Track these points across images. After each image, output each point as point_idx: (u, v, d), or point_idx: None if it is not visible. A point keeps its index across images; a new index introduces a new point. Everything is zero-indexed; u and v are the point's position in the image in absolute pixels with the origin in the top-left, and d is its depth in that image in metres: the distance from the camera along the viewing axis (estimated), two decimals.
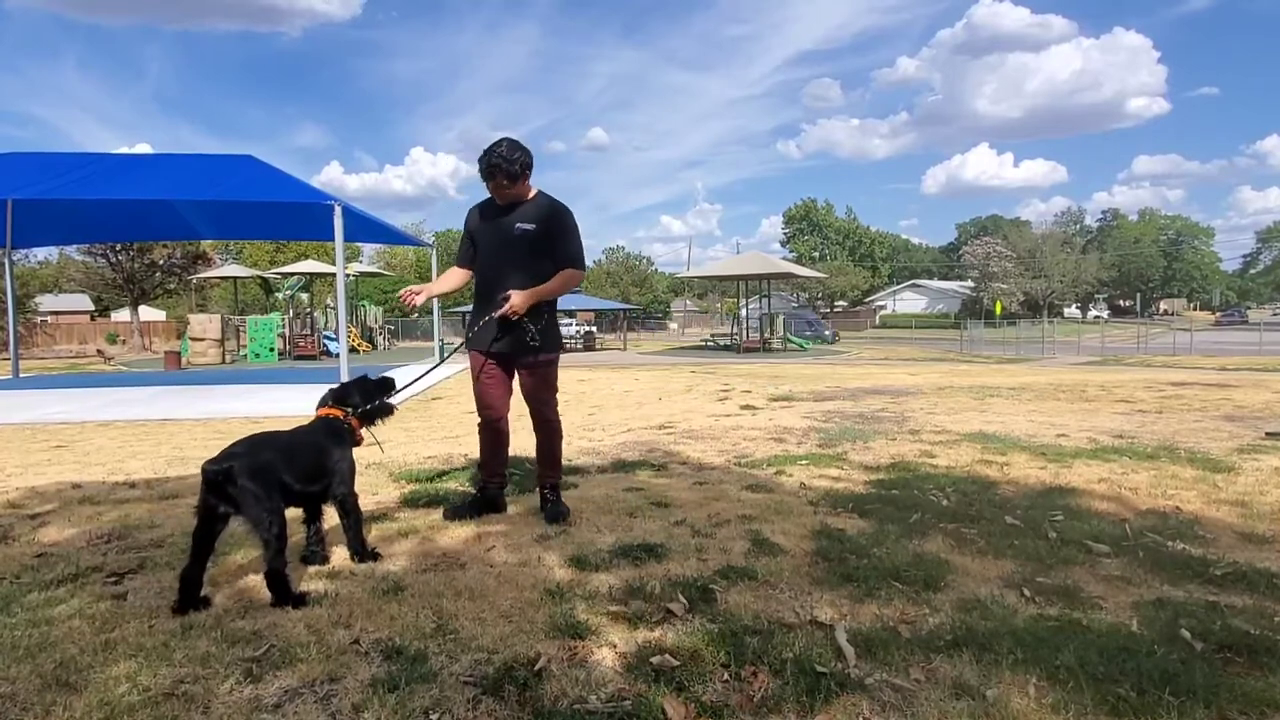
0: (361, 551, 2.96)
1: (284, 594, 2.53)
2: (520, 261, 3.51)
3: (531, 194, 3.57)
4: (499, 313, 3.45)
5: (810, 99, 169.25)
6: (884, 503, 3.83)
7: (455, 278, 3.74)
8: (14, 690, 1.99)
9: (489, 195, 3.60)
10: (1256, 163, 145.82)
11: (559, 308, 3.87)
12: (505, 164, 3.40)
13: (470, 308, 3.95)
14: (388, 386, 3.30)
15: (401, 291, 3.65)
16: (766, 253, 46.58)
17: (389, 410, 3.30)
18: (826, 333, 35.70)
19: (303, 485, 2.77)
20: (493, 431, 3.72)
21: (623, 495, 4.03)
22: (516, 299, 3.43)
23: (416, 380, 4.02)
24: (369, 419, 3.19)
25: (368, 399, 3.19)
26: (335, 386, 3.27)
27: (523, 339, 3.53)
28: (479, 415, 3.73)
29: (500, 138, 3.48)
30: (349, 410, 3.13)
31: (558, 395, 3.74)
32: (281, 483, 2.64)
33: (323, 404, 3.16)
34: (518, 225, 3.50)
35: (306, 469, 2.80)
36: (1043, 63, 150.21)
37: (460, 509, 3.64)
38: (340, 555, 3.03)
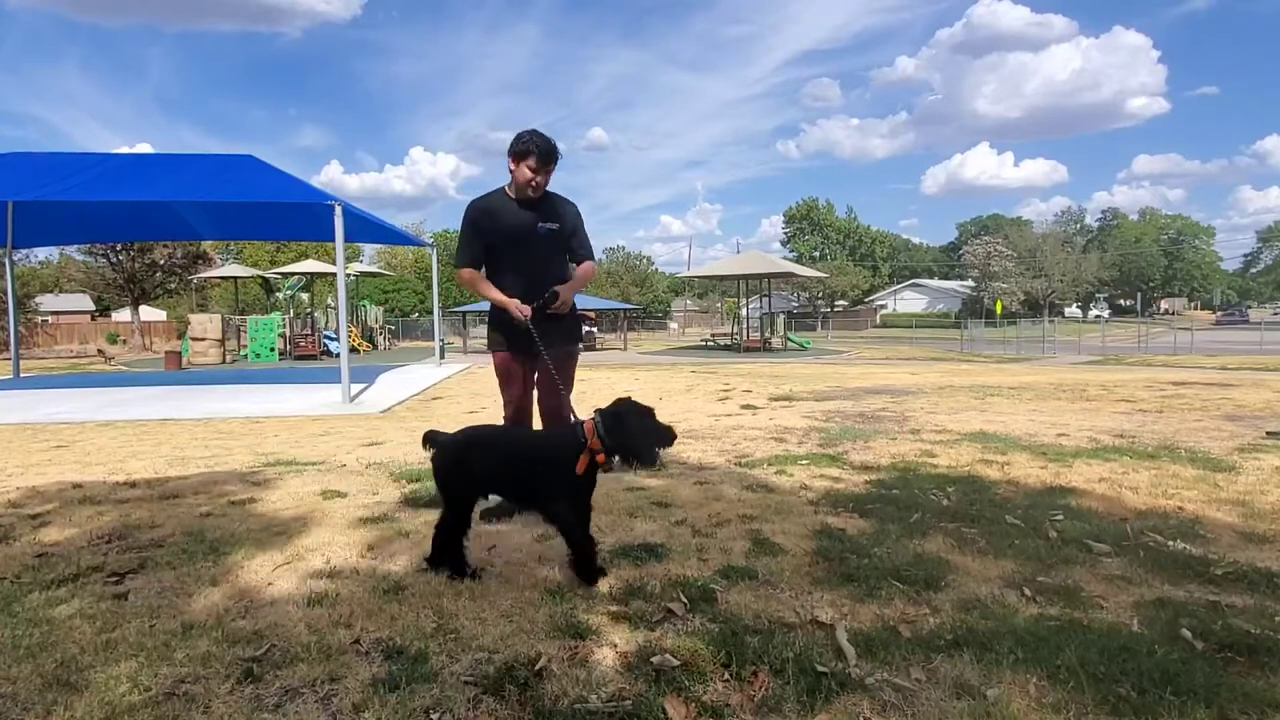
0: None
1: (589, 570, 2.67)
2: (552, 260, 3.64)
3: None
4: (553, 308, 3.52)
5: (810, 99, 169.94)
6: (884, 502, 3.83)
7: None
8: (15, 690, 2.00)
9: (491, 191, 3.62)
10: (1256, 162, 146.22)
11: None
12: (558, 154, 3.49)
13: (468, 307, 3.98)
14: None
15: (524, 311, 3.44)
16: (767, 252, 46.62)
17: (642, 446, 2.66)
18: None
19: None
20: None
21: (623, 495, 4.03)
22: (566, 294, 3.55)
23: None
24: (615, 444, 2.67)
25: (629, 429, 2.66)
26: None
27: (569, 330, 3.74)
28: (509, 414, 3.78)
29: (531, 128, 3.48)
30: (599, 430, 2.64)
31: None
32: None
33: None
34: (541, 225, 3.57)
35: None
36: (1042, 62, 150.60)
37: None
38: (340, 556, 3.03)
